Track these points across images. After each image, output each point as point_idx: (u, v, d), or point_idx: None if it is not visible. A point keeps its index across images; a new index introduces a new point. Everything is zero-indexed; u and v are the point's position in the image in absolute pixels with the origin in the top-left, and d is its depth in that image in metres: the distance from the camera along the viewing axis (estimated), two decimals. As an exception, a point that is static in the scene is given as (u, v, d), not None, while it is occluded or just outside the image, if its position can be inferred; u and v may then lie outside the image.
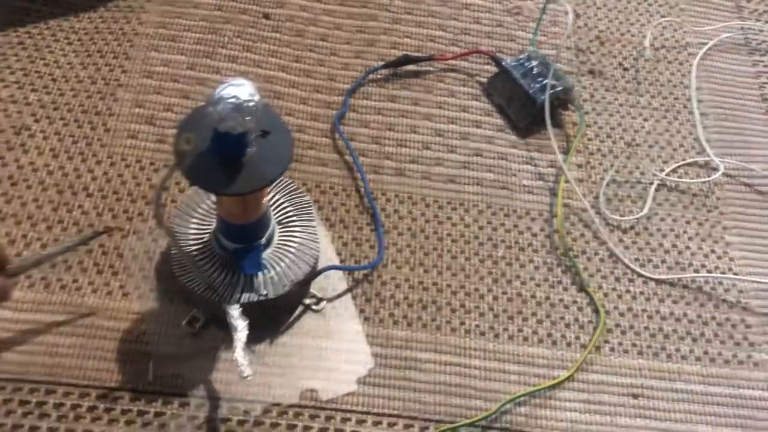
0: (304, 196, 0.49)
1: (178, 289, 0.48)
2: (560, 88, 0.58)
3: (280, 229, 0.47)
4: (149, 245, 0.50)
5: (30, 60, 0.57)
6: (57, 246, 0.44)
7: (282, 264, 0.46)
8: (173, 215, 0.49)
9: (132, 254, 0.49)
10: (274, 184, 0.47)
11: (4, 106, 0.54)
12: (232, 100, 0.32)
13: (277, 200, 0.48)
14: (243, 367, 0.39)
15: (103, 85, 0.56)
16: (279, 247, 0.47)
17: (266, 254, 0.46)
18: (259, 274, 0.45)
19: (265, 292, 0.45)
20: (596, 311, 0.50)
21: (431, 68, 0.61)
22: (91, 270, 0.48)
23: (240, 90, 0.32)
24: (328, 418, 0.45)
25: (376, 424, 0.45)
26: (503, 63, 0.59)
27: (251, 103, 0.32)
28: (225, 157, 0.36)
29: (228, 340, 0.46)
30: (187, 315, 0.47)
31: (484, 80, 0.61)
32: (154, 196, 0.35)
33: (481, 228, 0.53)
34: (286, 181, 0.49)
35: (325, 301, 0.49)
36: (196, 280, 0.45)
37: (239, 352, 0.40)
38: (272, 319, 0.47)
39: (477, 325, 0.49)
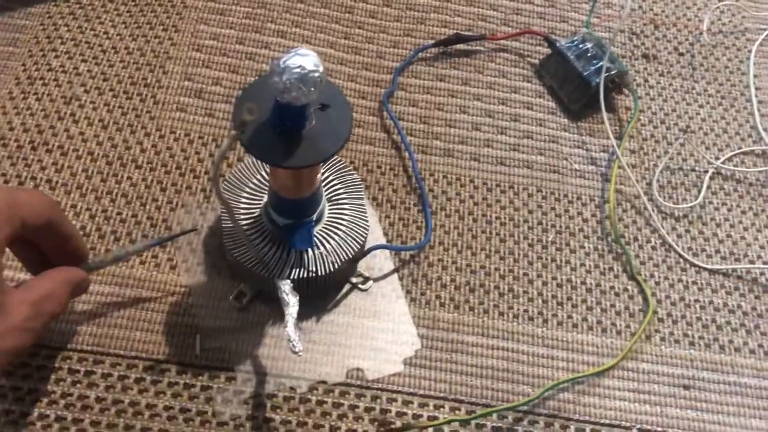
0: (353, 174, 0.49)
1: (225, 264, 0.48)
2: (615, 72, 0.57)
3: (329, 206, 0.47)
4: (197, 219, 0.50)
5: (80, 30, 0.57)
6: (135, 245, 0.44)
7: (331, 241, 0.46)
8: (222, 190, 0.49)
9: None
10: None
11: (54, 75, 0.54)
12: (298, 70, 0.31)
13: (327, 177, 0.48)
14: (294, 343, 0.39)
15: (152, 57, 0.56)
16: (328, 225, 0.46)
17: (316, 231, 0.46)
18: (309, 250, 0.45)
19: (314, 269, 0.44)
20: (646, 300, 0.49)
21: (482, 48, 0.60)
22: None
23: (306, 60, 0.31)
24: (374, 398, 0.45)
25: (422, 405, 0.45)
26: (557, 44, 0.58)
27: (316, 74, 0.31)
28: (284, 130, 0.35)
29: (274, 315, 0.46)
30: (234, 290, 0.47)
31: (536, 61, 0.60)
32: (213, 167, 0.34)
33: (530, 212, 0.53)
34: (336, 159, 0.49)
35: (371, 281, 0.48)
36: (247, 255, 0.44)
37: (291, 328, 0.40)
38: (319, 296, 0.47)
39: (525, 310, 0.49)
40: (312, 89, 0.32)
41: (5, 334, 0.33)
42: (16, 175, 0.50)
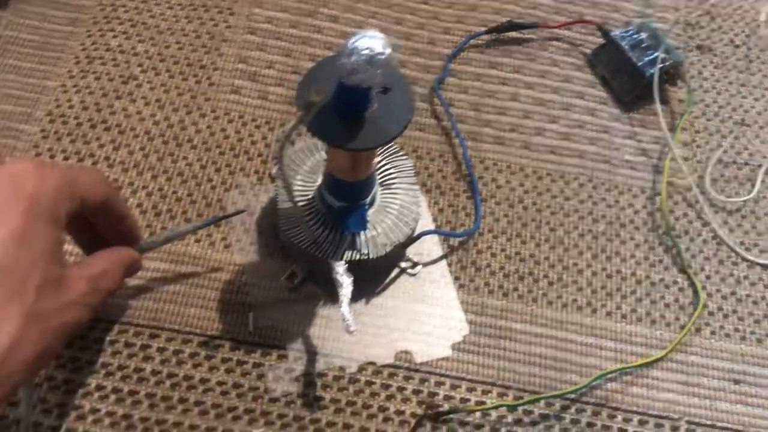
0: (405, 160, 0.49)
1: (278, 244, 0.48)
2: (670, 63, 0.56)
3: (382, 190, 0.47)
4: (250, 200, 0.50)
5: (137, 11, 0.57)
6: (187, 225, 0.45)
7: (383, 225, 0.46)
8: (278, 172, 0.49)
9: (234, 208, 0.49)
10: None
11: (113, 55, 0.55)
12: (366, 51, 0.31)
13: (380, 162, 0.48)
14: (349, 322, 0.40)
15: (208, 39, 0.56)
16: (381, 209, 0.47)
17: (369, 214, 0.46)
18: (361, 233, 0.45)
19: (366, 252, 0.45)
20: (696, 293, 0.49)
21: (534, 36, 0.59)
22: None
23: (374, 42, 0.31)
24: (422, 381, 0.45)
25: (470, 390, 0.45)
26: (611, 34, 0.57)
27: (383, 56, 0.31)
28: (347, 112, 0.36)
29: (324, 296, 0.47)
30: (287, 270, 0.47)
31: (588, 51, 0.59)
32: (278, 148, 0.35)
33: (581, 201, 0.52)
34: (390, 144, 0.49)
35: (420, 266, 0.49)
36: (302, 236, 0.45)
37: (345, 307, 0.40)
38: (369, 279, 0.47)
39: (574, 300, 0.48)
40: (378, 71, 0.32)
41: (66, 308, 0.34)
42: (75, 152, 0.51)
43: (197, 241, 0.49)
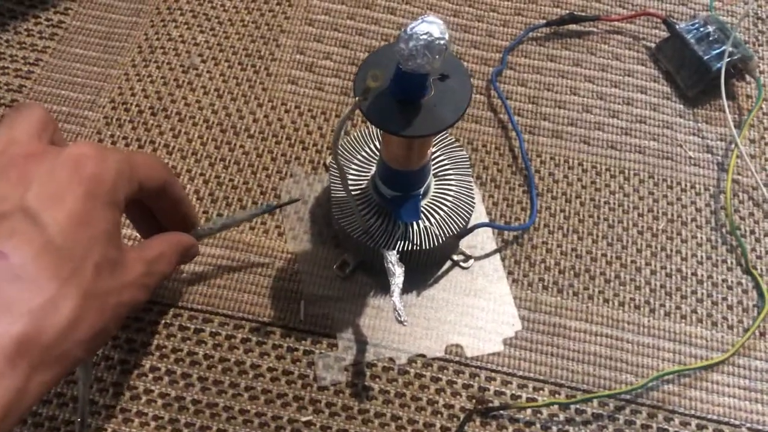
0: (460, 151, 0.48)
1: (330, 233, 0.48)
2: (738, 57, 0.54)
3: (436, 181, 0.47)
4: (304, 189, 0.50)
5: (198, 2, 0.58)
6: (242, 212, 0.45)
7: (437, 216, 0.46)
8: (331, 161, 0.49)
9: (288, 197, 0.49)
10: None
11: (174, 45, 0.56)
12: (425, 37, 0.31)
13: (435, 153, 0.48)
14: (400, 312, 0.39)
15: (267, 30, 0.57)
16: (434, 199, 0.46)
17: (423, 205, 0.45)
18: (414, 224, 0.45)
19: (418, 243, 0.44)
20: (762, 295, 0.47)
21: (595, 29, 0.58)
22: (251, 208, 0.49)
23: (432, 27, 0.31)
24: (473, 375, 0.44)
25: (522, 386, 0.44)
26: (676, 27, 0.55)
27: (442, 42, 0.31)
28: (403, 99, 0.35)
29: (375, 286, 0.46)
30: (338, 259, 0.47)
31: (651, 44, 0.57)
32: (335, 133, 0.34)
33: (641, 198, 0.51)
34: (444, 134, 0.48)
35: (473, 259, 0.48)
36: (354, 225, 0.45)
37: (396, 297, 0.40)
38: (421, 271, 0.47)
39: (632, 299, 0.47)
40: (437, 57, 0.31)
41: (123, 288, 0.34)
42: (136, 138, 0.52)
43: (252, 228, 0.49)
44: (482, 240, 0.49)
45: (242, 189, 0.50)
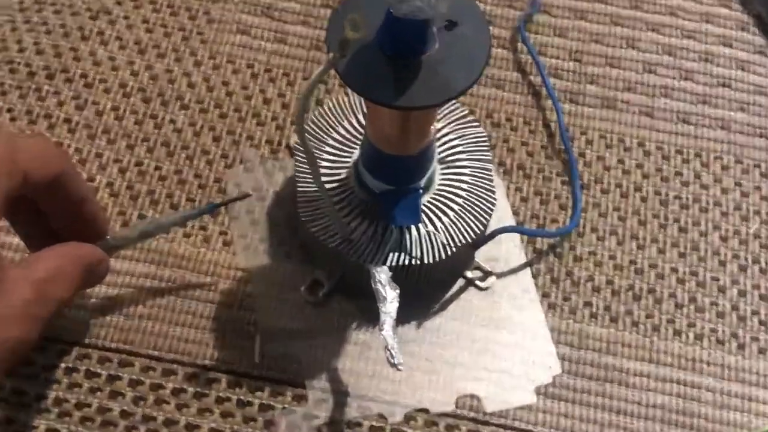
0: (477, 128, 0.49)
1: (297, 243, 0.48)
2: None
3: (442, 169, 0.47)
4: (260, 180, 0.50)
5: None
6: (173, 214, 0.45)
7: (444, 219, 0.46)
8: (296, 142, 0.49)
9: (237, 191, 0.49)
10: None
11: (78, -19, 0.56)
12: (425, -32, 0.31)
13: (441, 129, 0.48)
14: (393, 351, 0.39)
15: (207, -41, 0.57)
16: (441, 195, 0.46)
17: (424, 202, 0.46)
18: (413, 228, 0.45)
19: (418, 254, 0.45)
20: None
21: (662, -43, 0.58)
22: (185, 207, 0.49)
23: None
24: (494, 438, 0.45)
25: (562, 452, 0.45)
26: (773, -46, 0.56)
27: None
28: (396, 54, 0.35)
29: (360, 315, 0.47)
30: (307, 278, 0.47)
31: (739, -21, 0.58)
32: (299, 108, 0.35)
33: (725, 191, 0.51)
34: (453, 105, 0.49)
35: (494, 277, 0.48)
36: (330, 231, 0.45)
37: (388, 331, 0.40)
38: (423, 294, 0.47)
39: (713, 330, 0.48)
40: (439, -1, 0.31)
41: (2, 321, 0.34)
42: (26, 111, 0.52)
43: (186, 236, 0.49)
44: (507, 250, 0.49)
45: (173, 180, 0.50)
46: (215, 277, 0.48)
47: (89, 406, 0.45)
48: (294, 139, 0.51)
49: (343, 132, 0.48)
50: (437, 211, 0.46)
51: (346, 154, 0.47)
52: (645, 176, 0.52)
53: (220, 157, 0.51)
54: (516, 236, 0.49)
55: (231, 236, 0.49)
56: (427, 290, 0.47)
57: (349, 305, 0.47)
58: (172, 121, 0.52)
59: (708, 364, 0.47)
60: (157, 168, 0.50)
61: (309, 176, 0.46)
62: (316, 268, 0.47)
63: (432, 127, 0.42)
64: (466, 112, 0.49)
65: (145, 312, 0.47)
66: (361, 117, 0.48)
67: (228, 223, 0.49)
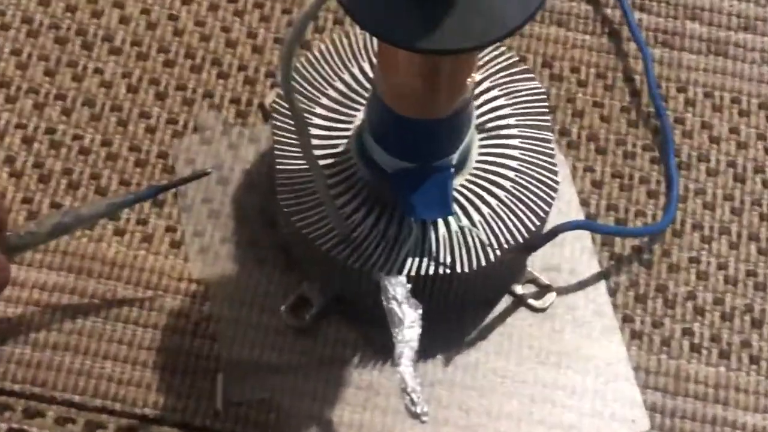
0: (529, 81, 0.48)
1: (274, 242, 0.49)
2: None
3: (482, 140, 0.47)
4: (222, 155, 0.50)
5: None
6: (99, 202, 0.45)
7: (484, 210, 0.46)
8: (275, 101, 0.49)
9: (191, 169, 0.49)
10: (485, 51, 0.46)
11: None
12: None
13: (480, 82, 0.47)
14: (414, 398, 0.39)
15: None
16: (480, 176, 0.46)
17: (457, 186, 0.45)
18: (440, 223, 0.45)
19: (448, 260, 0.44)
20: None
21: None
22: (113, 194, 0.49)
23: None
24: None
25: None
26: None
27: None
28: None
29: (364, 347, 0.47)
30: (290, 294, 0.47)
31: None
32: (286, 51, 0.34)
33: None
34: (497, 49, 0.48)
35: (554, 293, 0.48)
36: (323, 226, 0.44)
37: (407, 367, 0.40)
38: (454, 316, 0.47)
39: None
40: None
41: None
42: None
43: (119, 233, 0.49)
44: (572, 256, 0.49)
45: (99, 155, 0.50)
46: (159, 292, 0.48)
47: (-19, 474, 0.45)
48: (270, 97, 0.50)
49: (341, 87, 0.48)
50: (475, 199, 0.46)
51: (345, 118, 0.47)
52: (769, 151, 0.51)
53: (165, 122, 0.51)
54: (586, 236, 0.49)
55: (182, 234, 0.49)
56: (461, 311, 0.47)
57: (349, 332, 0.47)
58: (97, 71, 0.52)
59: None
60: (76, 137, 0.50)
61: (294, 149, 0.46)
62: (302, 280, 0.47)
63: (469, 79, 0.42)
64: (516, 59, 0.49)
65: (60, 341, 0.47)
66: (367, 66, 0.47)
67: (177, 215, 0.49)
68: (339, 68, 0.48)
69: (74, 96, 0.51)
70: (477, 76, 0.45)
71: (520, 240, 0.46)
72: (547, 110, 0.48)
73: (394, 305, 0.42)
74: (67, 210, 0.46)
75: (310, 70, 0.48)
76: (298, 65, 0.48)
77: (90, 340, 0.47)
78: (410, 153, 0.44)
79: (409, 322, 0.42)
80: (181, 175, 0.49)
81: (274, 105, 0.48)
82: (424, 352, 0.45)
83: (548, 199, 0.46)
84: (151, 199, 0.47)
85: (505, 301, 0.48)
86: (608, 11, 0.54)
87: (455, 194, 0.46)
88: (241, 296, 0.48)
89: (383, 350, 0.45)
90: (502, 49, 0.49)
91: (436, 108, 0.42)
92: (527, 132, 0.48)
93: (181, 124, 0.51)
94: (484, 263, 0.45)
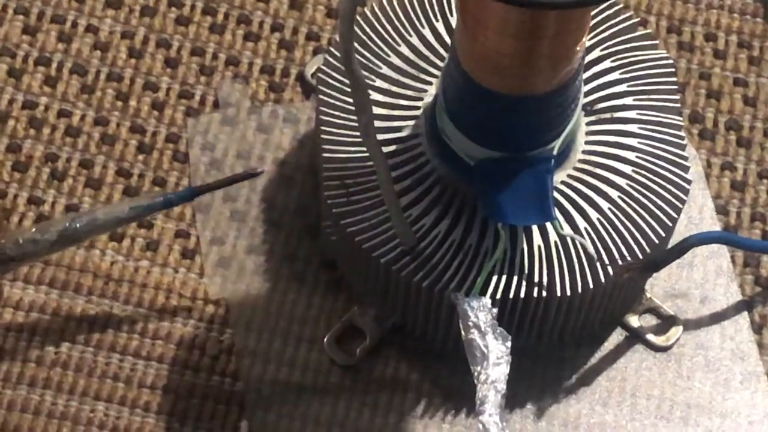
0: (650, 50, 0.48)
1: (315, 254, 0.49)
2: None
3: (590, 125, 0.47)
4: (250, 140, 0.51)
5: None
6: (112, 207, 0.45)
7: (593, 215, 0.45)
8: (324, 68, 0.49)
9: (208, 157, 0.50)
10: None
11: None
12: None
13: (589, 52, 0.47)
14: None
15: None
16: (588, 171, 0.46)
17: (556, 183, 0.46)
18: (537, 230, 0.45)
19: (544, 280, 0.44)
20: None
21: None
22: (114, 189, 0.50)
23: None
24: None
25: None
26: None
27: None
28: None
29: (433, 390, 0.47)
30: (336, 320, 0.48)
31: None
32: (344, 11, 0.35)
33: None
34: (614, 8, 0.48)
35: (681, 327, 0.49)
36: (381, 232, 0.45)
37: (493, 416, 0.40)
38: (552, 353, 0.48)
39: None
40: None
41: None
42: None
43: (116, 239, 0.49)
44: (705, 277, 0.50)
45: (92, 137, 0.51)
46: (167, 316, 0.48)
47: None
48: (312, 66, 0.51)
49: (408, 54, 0.48)
50: (580, 201, 0.46)
51: (412, 93, 0.47)
52: None
53: (177, 96, 0.51)
54: (723, 253, 0.49)
55: (196, 241, 0.49)
56: (559, 347, 0.48)
57: (412, 371, 0.48)
58: (90, 30, 0.52)
59: None
60: (62, 114, 0.51)
61: (346, 133, 0.46)
62: (351, 303, 0.48)
63: (578, 45, 0.42)
64: (635, 21, 0.49)
65: (38, 375, 0.47)
66: (442, 26, 0.48)
67: (191, 217, 0.50)
68: (405, 29, 0.48)
69: (60, 61, 0.52)
70: (588, 41, 0.45)
71: (639, 255, 0.45)
72: (675, 88, 0.48)
73: (475, 336, 0.42)
74: (79, 214, 0.46)
75: (368, 30, 0.48)
76: (362, 22, 0.48)
77: (77, 375, 0.47)
78: (499, 139, 0.45)
79: (495, 359, 0.42)
80: (230, 175, 0.48)
81: (320, 75, 0.48)
82: (510, 399, 0.45)
83: (676, 203, 0.46)
84: (187, 202, 0.48)
85: (617, 336, 0.49)
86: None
87: (555, 194, 0.46)
88: (271, 323, 0.48)
89: (456, 395, 0.45)
90: (619, 6, 0.49)
91: (535, 81, 0.42)
92: (649, 115, 0.48)
93: (197, 99, 0.51)
94: (591, 285, 0.45)
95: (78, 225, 0.45)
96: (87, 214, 0.45)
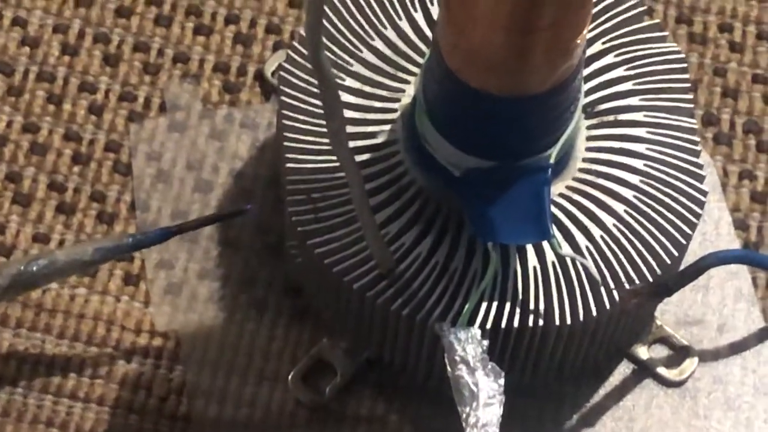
0: (662, 43, 0.48)
1: (280, 280, 0.49)
2: None
3: (591, 129, 0.47)
4: (202, 146, 0.51)
5: None
6: (74, 248, 0.46)
7: (595, 232, 0.46)
8: (287, 66, 0.49)
9: (154, 171, 0.50)
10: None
11: None
12: None
13: (590, 45, 0.47)
14: None
15: None
16: (589, 182, 0.46)
17: (554, 196, 0.46)
18: (531, 250, 0.45)
19: (539, 307, 0.44)
20: None
21: None
22: (33, 213, 0.50)
23: None
24: None
25: None
26: None
27: None
28: None
29: (413, 429, 0.47)
30: (304, 356, 0.48)
31: None
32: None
33: None
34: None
35: (696, 359, 0.49)
36: (354, 256, 0.45)
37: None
38: (549, 388, 0.48)
39: None
40: None
41: None
42: None
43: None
44: (723, 302, 0.50)
45: (20, 146, 0.51)
46: (107, 351, 0.48)
47: None
48: (273, 63, 0.52)
49: (382, 49, 0.48)
50: (581, 216, 0.46)
51: (387, 94, 0.47)
52: None
53: (117, 99, 0.51)
54: (743, 275, 0.49)
55: (141, 265, 0.49)
56: (559, 383, 0.48)
57: (389, 411, 0.48)
58: (17, 23, 0.52)
59: None
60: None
61: (313, 140, 0.46)
62: (320, 335, 0.48)
63: (578, 39, 0.42)
64: (642, 9, 0.49)
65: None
66: (421, 17, 0.48)
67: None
68: (380, 20, 0.48)
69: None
70: (588, 33, 0.45)
71: (648, 278, 0.46)
72: (686, 86, 0.48)
73: (462, 372, 0.42)
74: (36, 256, 0.46)
75: (337, 22, 0.48)
76: (332, 10, 0.48)
77: (4, 420, 0.47)
78: (488, 146, 0.45)
79: (485, 398, 0.42)
80: (219, 212, 0.49)
81: (282, 74, 0.48)
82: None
83: (690, 217, 0.46)
84: (159, 244, 0.48)
85: (623, 370, 0.49)
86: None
87: (553, 208, 0.46)
88: (228, 358, 0.48)
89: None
90: (627, -6, 0.49)
91: (530, 79, 0.42)
92: (658, 117, 0.48)
93: (140, 102, 0.51)
94: (594, 312, 0.45)
95: (34, 268, 0.45)
96: (45, 257, 0.45)
